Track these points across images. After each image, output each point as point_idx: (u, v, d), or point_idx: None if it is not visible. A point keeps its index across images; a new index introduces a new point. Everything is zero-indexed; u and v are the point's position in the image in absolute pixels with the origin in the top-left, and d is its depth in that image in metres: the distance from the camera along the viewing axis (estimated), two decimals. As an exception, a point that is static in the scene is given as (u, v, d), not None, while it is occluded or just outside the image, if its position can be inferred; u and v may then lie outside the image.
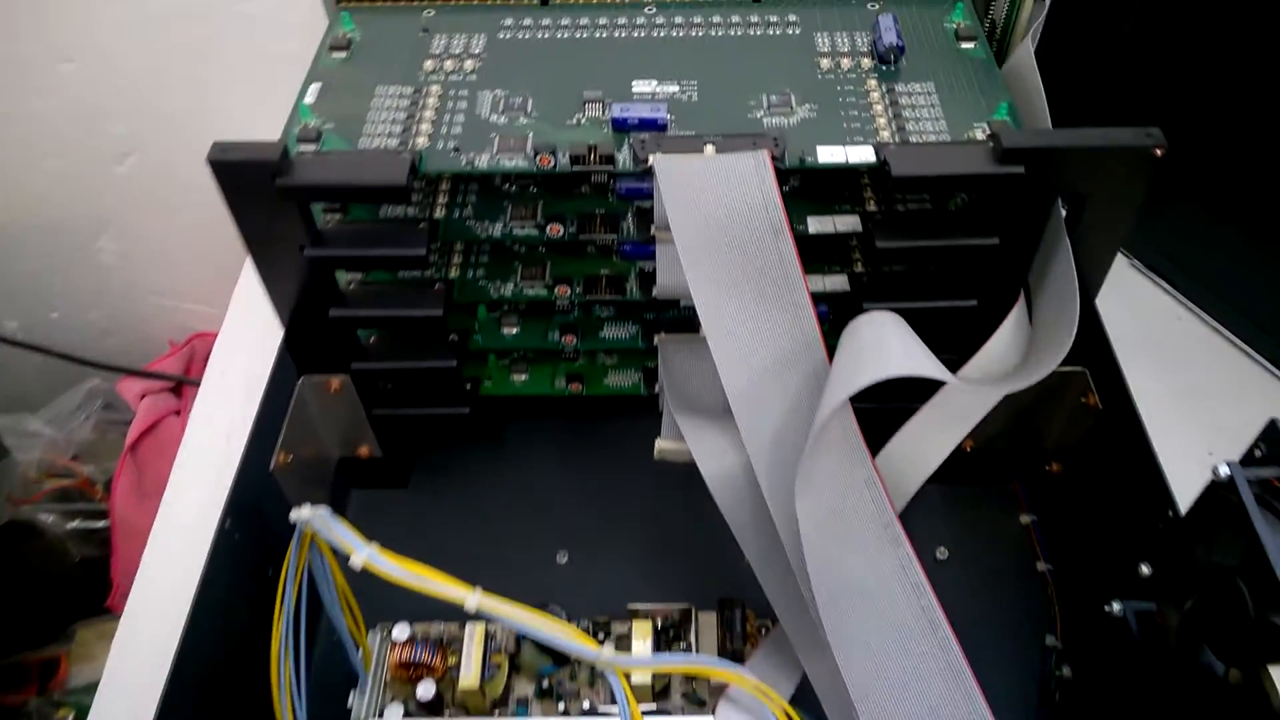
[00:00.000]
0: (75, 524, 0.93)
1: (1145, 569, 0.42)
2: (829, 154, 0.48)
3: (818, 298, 0.54)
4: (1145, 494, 0.48)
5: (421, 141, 0.49)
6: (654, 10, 0.57)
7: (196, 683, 0.45)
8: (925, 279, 0.52)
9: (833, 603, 0.44)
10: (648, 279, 0.54)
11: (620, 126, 0.49)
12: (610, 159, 0.48)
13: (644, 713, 0.47)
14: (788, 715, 0.42)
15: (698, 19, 0.57)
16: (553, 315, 0.58)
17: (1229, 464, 0.37)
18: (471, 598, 0.41)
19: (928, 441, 0.50)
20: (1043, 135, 0.44)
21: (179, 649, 0.45)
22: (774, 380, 0.47)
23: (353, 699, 0.52)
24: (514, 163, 0.48)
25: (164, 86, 0.81)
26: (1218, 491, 0.38)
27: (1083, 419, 0.54)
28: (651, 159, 0.46)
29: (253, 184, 0.46)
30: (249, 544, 0.50)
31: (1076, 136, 0.44)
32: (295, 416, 0.55)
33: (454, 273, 0.56)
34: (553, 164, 0.48)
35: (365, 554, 0.42)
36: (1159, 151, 0.44)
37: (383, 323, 0.55)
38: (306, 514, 0.47)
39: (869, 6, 0.57)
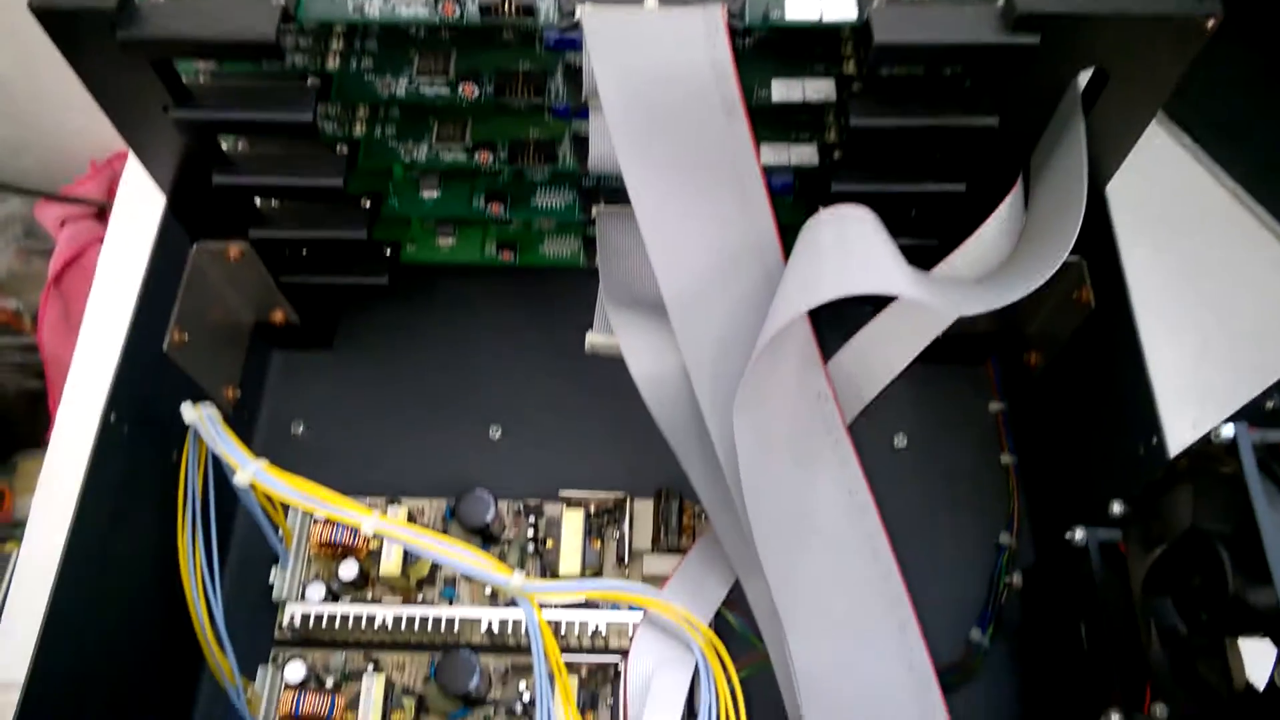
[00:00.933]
0: (14, 358, 0.89)
1: (1117, 508, 0.38)
2: (800, 8, 0.39)
3: (781, 170, 0.47)
4: (1130, 413, 0.44)
5: (300, -21, 0.40)
6: None
7: (90, 578, 0.42)
8: (908, 157, 0.45)
9: (768, 526, 0.41)
10: (585, 144, 0.46)
11: (543, -33, 0.40)
12: (529, 9, 0.39)
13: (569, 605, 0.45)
14: (714, 647, 0.40)
15: None
16: (477, 178, 0.51)
17: (1234, 425, 0.32)
18: (368, 521, 0.37)
19: (890, 346, 0.44)
20: (1062, -2, 0.36)
21: (63, 554, 0.41)
22: (718, 284, 0.41)
23: (274, 577, 0.50)
24: (411, 11, 0.39)
25: None
26: (1214, 448, 0.33)
27: (1072, 314, 0.49)
28: (579, 11, 0.38)
29: (91, 38, 0.37)
30: (144, 434, 0.46)
31: (1107, 0, 0.35)
32: (191, 289, 0.50)
33: (359, 130, 0.48)
34: (458, 13, 0.39)
35: (252, 471, 0.38)
36: (1212, 23, 0.35)
37: (276, 191, 0.48)
38: (190, 416, 0.42)
39: None
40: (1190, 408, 0.41)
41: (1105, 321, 0.47)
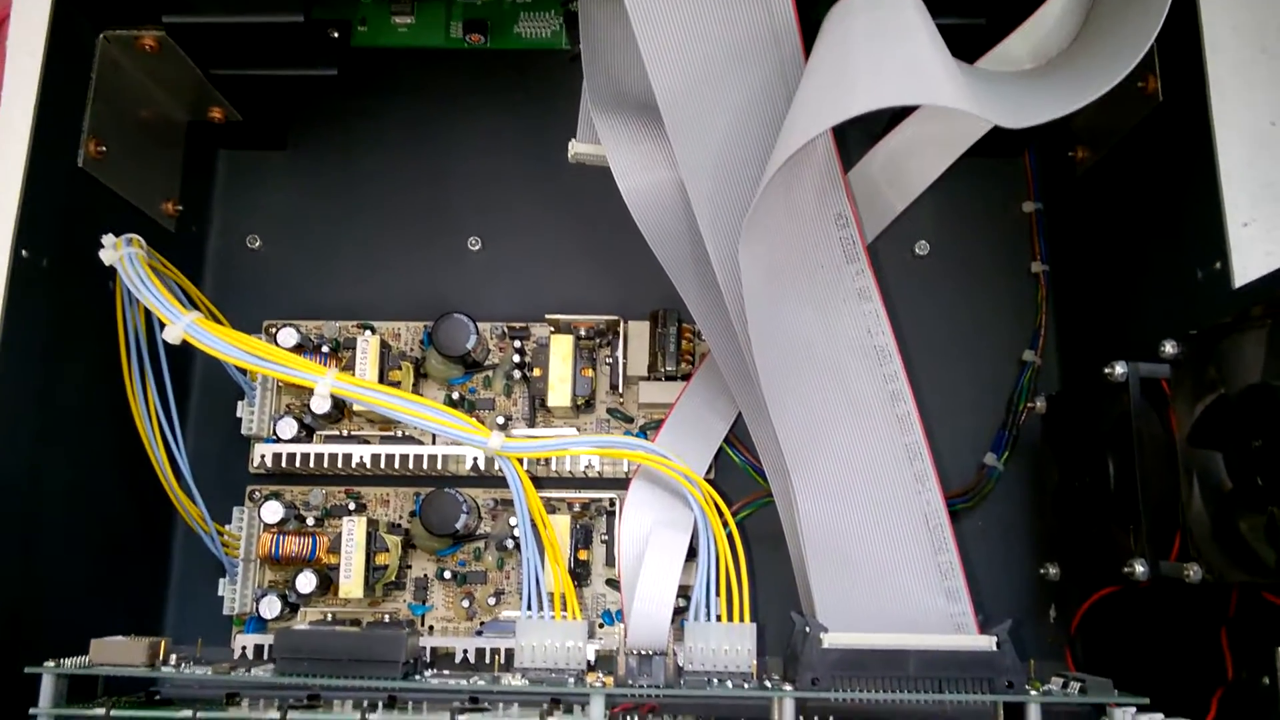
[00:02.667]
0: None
1: (1169, 348, 0.34)
2: None
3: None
4: (1191, 229, 0.38)
5: None
6: None
7: (28, 432, 0.39)
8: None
9: (776, 366, 0.37)
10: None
11: None
12: None
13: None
14: (713, 502, 0.37)
15: None
16: (435, -60, 0.42)
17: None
18: (323, 382, 0.33)
19: (925, 153, 0.38)
20: None
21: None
22: (722, 80, 0.34)
23: (241, 411, 0.46)
24: None
25: None
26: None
27: (1133, 106, 0.42)
28: None
29: None
30: (70, 267, 0.40)
31: None
32: (103, 89, 0.42)
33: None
34: None
35: (182, 326, 0.33)
36: None
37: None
38: (109, 257, 0.37)
39: None
40: (1264, 232, 0.36)
41: (1173, 117, 0.40)
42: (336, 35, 0.46)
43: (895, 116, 0.42)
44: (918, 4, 0.32)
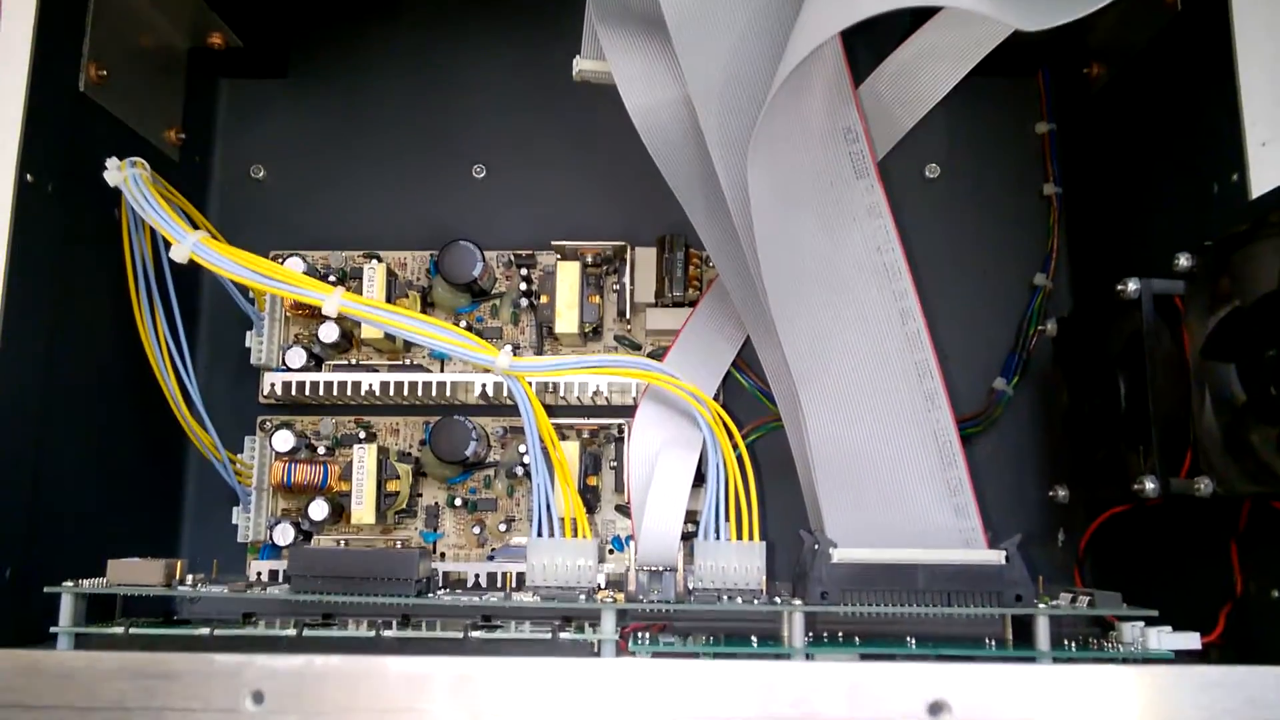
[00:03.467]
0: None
1: (1184, 260, 0.34)
2: None
3: None
4: (1209, 142, 0.37)
5: None
6: None
7: (35, 357, 0.39)
8: None
9: (784, 284, 0.36)
10: None
11: None
12: None
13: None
14: (721, 420, 0.37)
15: None
16: None
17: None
18: (330, 300, 0.33)
19: (936, 64, 0.37)
20: None
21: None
22: (730, -4, 0.33)
23: (250, 341, 0.46)
24: None
25: None
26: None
27: (1151, 17, 0.41)
28: None
29: None
30: (75, 191, 0.40)
31: None
32: (102, 12, 0.42)
33: None
34: None
35: (189, 245, 0.33)
36: None
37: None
38: (114, 179, 0.36)
39: None
40: (1283, 147, 0.35)
41: (1192, 27, 0.39)
42: (336, -45, 0.45)
43: (905, 31, 0.41)
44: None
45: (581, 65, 0.39)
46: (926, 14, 0.36)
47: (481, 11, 0.52)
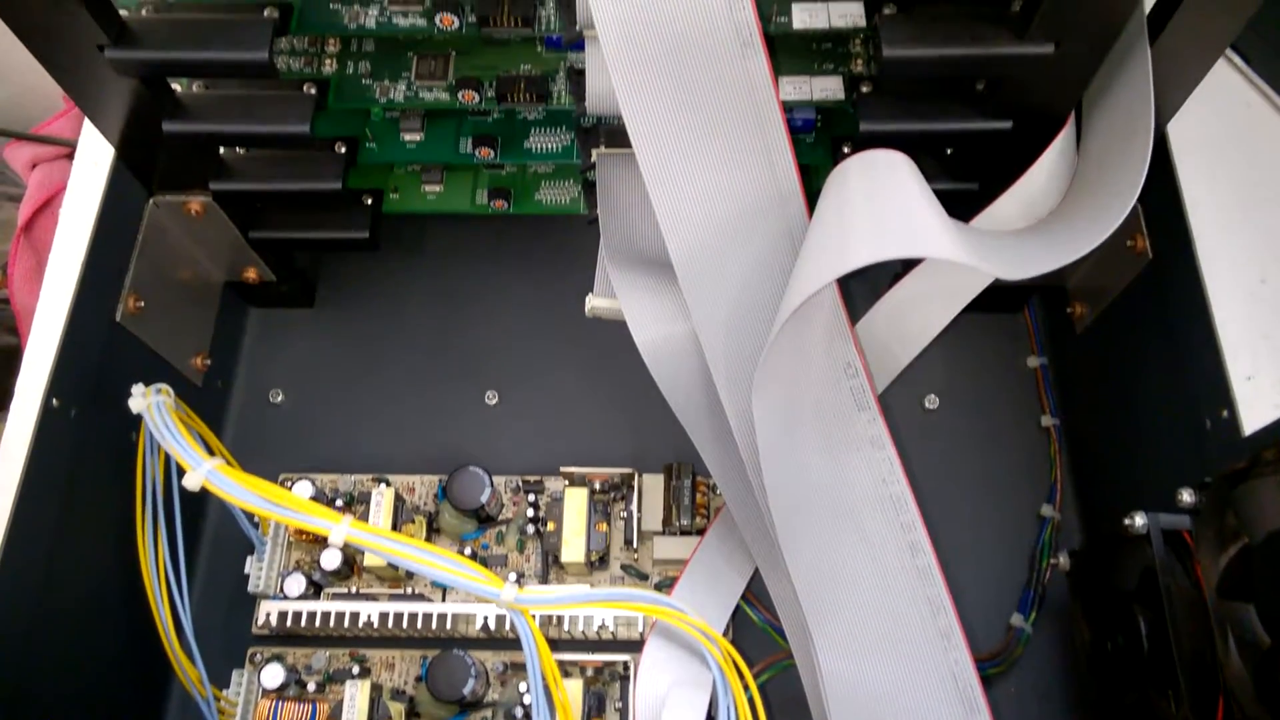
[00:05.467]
0: (-16, 311, 0.84)
1: (1187, 496, 0.34)
2: (826, -84, 0.33)
3: (802, 106, 0.42)
4: (1194, 380, 0.39)
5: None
6: None
7: (34, 583, 0.39)
8: (946, 90, 0.39)
9: (792, 518, 0.37)
10: (582, 79, 0.41)
11: None
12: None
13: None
14: (732, 660, 0.36)
15: None
16: (464, 118, 0.46)
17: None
18: (337, 530, 0.33)
19: (928, 306, 0.40)
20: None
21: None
22: (733, 241, 0.36)
23: (249, 567, 0.46)
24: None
25: None
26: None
27: (1125, 265, 0.43)
28: (570, -76, 0.32)
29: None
30: (96, 417, 0.41)
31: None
32: (148, 249, 0.45)
33: (329, 68, 0.42)
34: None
35: (203, 473, 0.34)
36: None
37: (235, 139, 0.42)
38: (138, 405, 0.38)
39: None
40: (1269, 379, 0.36)
41: (1164, 274, 0.42)
42: (370, 201, 0.48)
43: (897, 273, 0.44)
44: (911, 167, 0.34)
45: (594, 303, 0.41)
46: (916, 258, 0.39)
47: (500, 248, 0.55)
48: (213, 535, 0.49)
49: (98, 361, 0.42)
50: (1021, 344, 0.52)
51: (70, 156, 0.84)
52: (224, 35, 0.37)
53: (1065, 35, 0.34)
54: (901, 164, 0.34)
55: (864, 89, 0.40)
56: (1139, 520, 0.36)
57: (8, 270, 0.81)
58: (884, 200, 0.32)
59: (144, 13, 0.39)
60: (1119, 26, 0.34)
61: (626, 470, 0.47)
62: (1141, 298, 0.43)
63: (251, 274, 0.51)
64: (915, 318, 0.39)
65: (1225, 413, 0.37)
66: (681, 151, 0.35)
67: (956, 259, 0.30)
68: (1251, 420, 0.36)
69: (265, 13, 0.38)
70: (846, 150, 0.43)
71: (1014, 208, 0.39)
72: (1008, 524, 0.48)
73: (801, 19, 0.38)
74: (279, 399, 0.52)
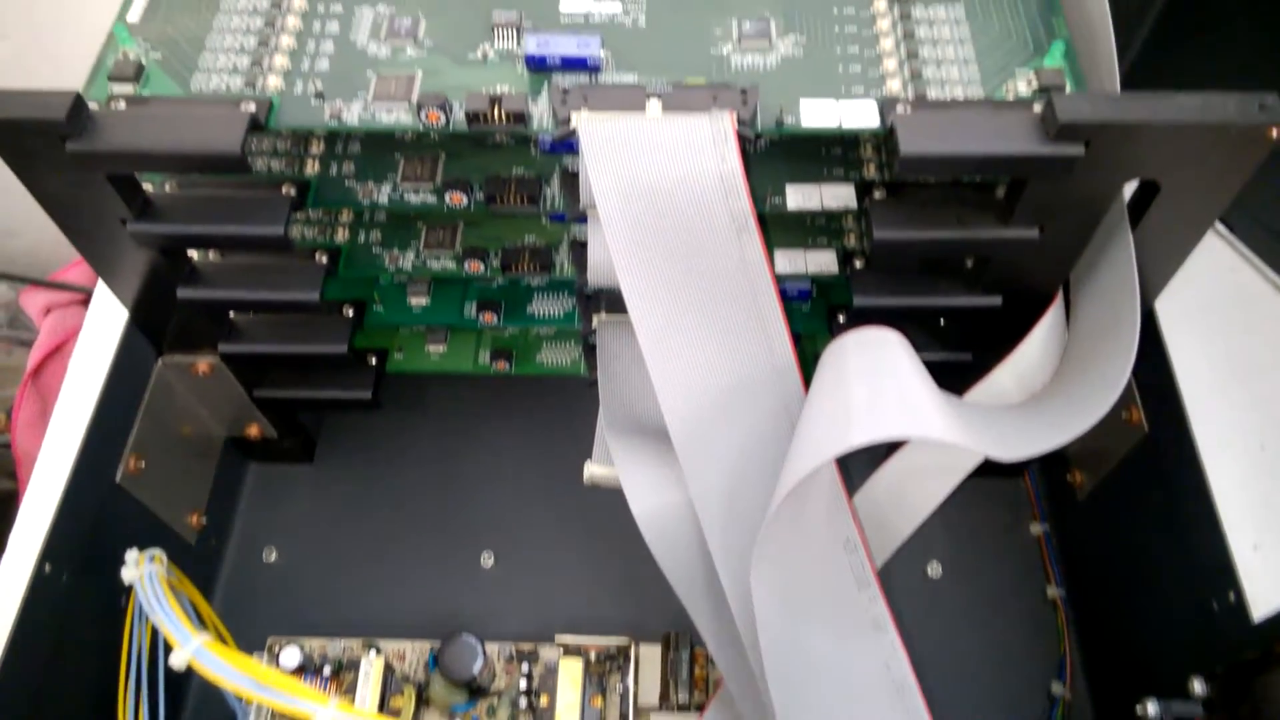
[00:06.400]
0: (-16, 456, 0.84)
1: (1199, 687, 0.33)
2: (817, 113, 0.35)
3: (798, 278, 0.43)
4: (1198, 561, 0.38)
5: (274, 82, 0.37)
6: (596, -116, 0.43)
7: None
8: (938, 267, 0.41)
9: (792, 700, 0.36)
10: (584, 250, 0.42)
11: (537, 66, 0.36)
12: (520, 117, 0.35)
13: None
14: None
15: (654, -102, 0.42)
16: (470, 283, 0.47)
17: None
18: (323, 713, 0.32)
19: (926, 479, 0.40)
20: (1112, 105, 0.32)
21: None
22: (729, 415, 0.36)
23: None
24: (393, 117, 0.36)
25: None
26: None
27: (1121, 436, 0.44)
28: (574, 119, 0.34)
29: (39, 148, 0.34)
30: (89, 580, 0.41)
31: (1162, 108, 0.31)
32: (153, 409, 0.45)
33: (341, 236, 0.44)
34: (444, 120, 0.35)
35: (190, 651, 0.33)
36: (1276, 132, 0.31)
37: (247, 305, 0.44)
38: (129, 576, 0.37)
39: (885, -115, 0.42)
40: (1275, 549, 0.36)
41: (1160, 446, 0.42)
42: (374, 361, 0.49)
43: (895, 444, 0.44)
44: (906, 346, 0.35)
45: (592, 470, 0.42)
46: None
47: (500, 409, 0.56)
48: (195, 703, 0.47)
49: (93, 524, 0.42)
50: (1023, 510, 0.52)
51: (84, 302, 0.86)
52: (243, 211, 0.38)
53: (1048, 221, 0.36)
54: (896, 343, 0.35)
55: (857, 263, 0.42)
56: (1151, 709, 0.35)
57: (12, 415, 0.82)
58: (881, 379, 0.33)
59: (167, 187, 0.41)
60: (1100, 214, 0.35)
61: (623, 641, 0.46)
62: (1140, 468, 0.44)
63: (254, 430, 0.52)
64: (915, 490, 0.39)
65: (1232, 595, 0.36)
66: (679, 327, 0.36)
67: (953, 441, 0.31)
68: (1259, 599, 0.35)
69: (283, 189, 0.40)
70: (841, 319, 0.44)
71: (1009, 380, 0.40)
72: (1017, 701, 0.46)
73: (795, 200, 0.39)
74: (272, 557, 0.52)
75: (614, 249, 0.35)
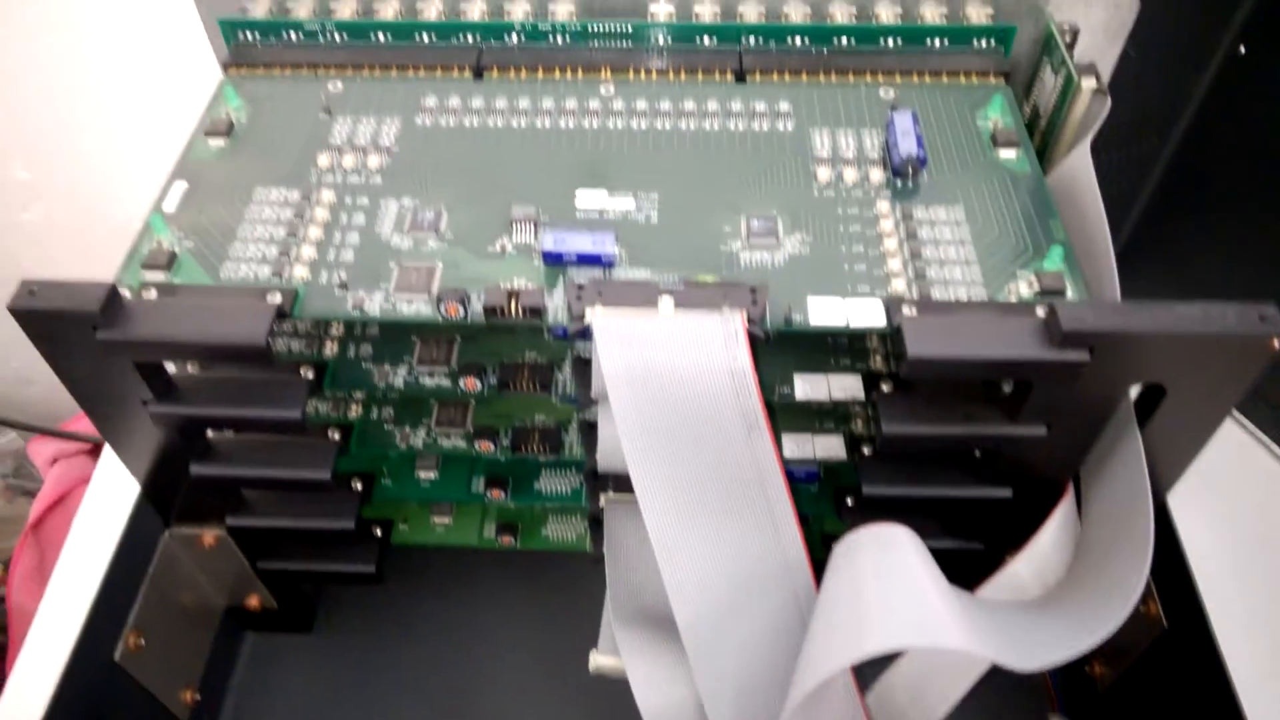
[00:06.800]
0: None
1: None
2: (825, 311, 0.36)
3: (804, 463, 0.43)
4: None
5: (300, 273, 0.38)
6: (610, 90, 0.45)
7: None
8: (946, 456, 0.41)
9: None
10: (593, 429, 0.43)
11: (553, 262, 0.38)
12: (537, 311, 0.36)
13: None
14: None
15: (665, 104, 0.45)
16: (478, 459, 0.47)
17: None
18: None
19: (943, 675, 0.39)
20: (1116, 314, 0.33)
21: None
22: (739, 610, 0.36)
23: None
24: (414, 309, 0.37)
25: (67, 129, 0.71)
26: None
27: (1141, 630, 0.43)
28: (589, 315, 0.35)
29: (71, 337, 0.35)
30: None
31: (1163, 317, 0.32)
32: (158, 581, 0.45)
33: (354, 412, 0.45)
34: (463, 314, 0.37)
35: None
36: (1277, 343, 0.32)
37: (259, 482, 0.44)
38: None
39: (881, 92, 0.45)
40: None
41: (1180, 641, 0.41)
42: (379, 533, 0.49)
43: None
44: (918, 545, 0.35)
45: (598, 660, 0.41)
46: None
47: (504, 578, 0.55)
48: None
49: (88, 706, 0.40)
50: (1042, 702, 0.50)
51: (91, 452, 0.87)
52: (262, 394, 0.39)
53: (1056, 419, 0.36)
54: (908, 544, 0.35)
55: (865, 450, 0.42)
56: None
57: (9, 567, 0.81)
58: (895, 584, 0.33)
59: (189, 368, 0.42)
60: (1107, 413, 0.36)
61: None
62: (1161, 662, 0.42)
63: (254, 601, 0.51)
64: (932, 687, 0.38)
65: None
66: (689, 522, 0.36)
67: (971, 650, 0.30)
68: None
69: (301, 371, 0.41)
70: (850, 502, 0.44)
71: (1027, 571, 0.39)
72: None
73: (803, 390, 0.40)
74: (263, 734, 0.50)
75: (625, 442, 0.35)
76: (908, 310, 0.35)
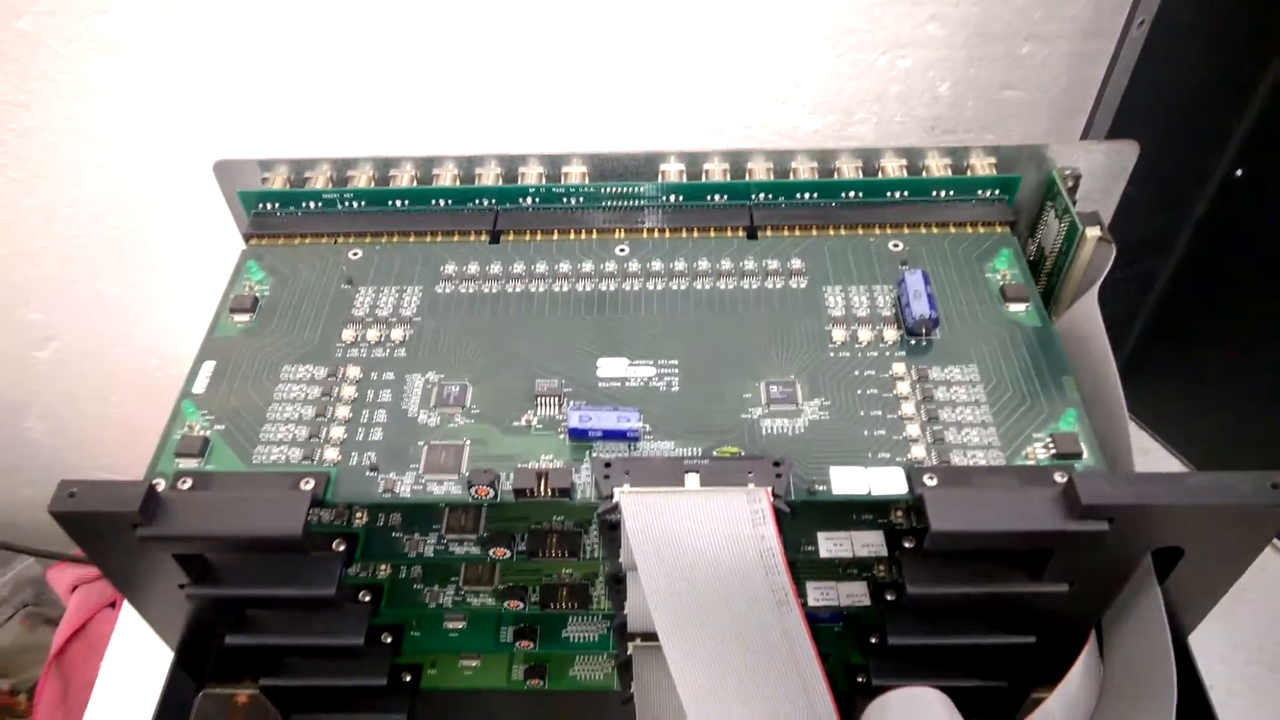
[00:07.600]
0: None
1: None
2: (847, 481, 0.37)
3: (829, 610, 0.44)
4: None
5: (331, 454, 0.39)
6: (625, 249, 0.47)
7: None
8: (970, 609, 0.42)
9: None
10: (620, 584, 0.44)
11: (579, 437, 0.39)
12: (566, 491, 0.37)
13: None
14: None
15: (679, 264, 0.46)
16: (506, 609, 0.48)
17: None
18: None
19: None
20: (1133, 486, 0.34)
21: None
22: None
23: None
24: (444, 489, 0.38)
25: (82, 274, 0.73)
26: None
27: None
28: (617, 495, 0.36)
29: (111, 534, 0.36)
30: None
31: (1179, 489, 0.33)
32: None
33: (383, 572, 0.45)
34: (493, 495, 0.37)
35: None
36: (1289, 515, 0.33)
37: (293, 650, 0.44)
38: None
39: (891, 245, 0.46)
40: None
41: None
42: (409, 679, 0.49)
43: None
44: (948, 706, 0.35)
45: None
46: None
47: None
48: None
49: None
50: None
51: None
52: (296, 572, 0.40)
53: (1077, 579, 0.37)
54: (938, 705, 0.35)
55: (889, 597, 0.43)
56: None
57: (33, 697, 0.81)
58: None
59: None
60: (1127, 573, 0.37)
61: None
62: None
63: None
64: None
65: None
66: (719, 683, 0.36)
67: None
68: None
69: (334, 545, 0.41)
70: (874, 641, 0.44)
71: (1059, 709, 0.40)
72: None
73: (828, 548, 0.41)
74: None
75: (655, 615, 0.36)
76: (929, 480, 0.36)
